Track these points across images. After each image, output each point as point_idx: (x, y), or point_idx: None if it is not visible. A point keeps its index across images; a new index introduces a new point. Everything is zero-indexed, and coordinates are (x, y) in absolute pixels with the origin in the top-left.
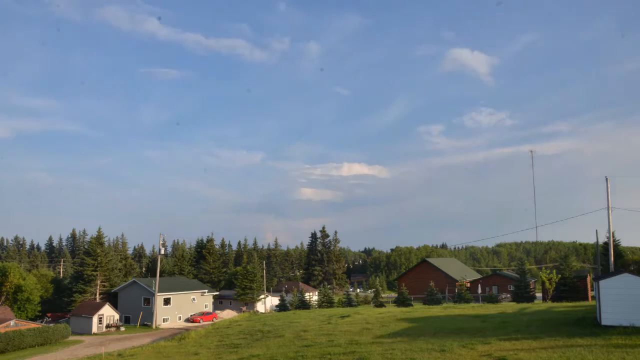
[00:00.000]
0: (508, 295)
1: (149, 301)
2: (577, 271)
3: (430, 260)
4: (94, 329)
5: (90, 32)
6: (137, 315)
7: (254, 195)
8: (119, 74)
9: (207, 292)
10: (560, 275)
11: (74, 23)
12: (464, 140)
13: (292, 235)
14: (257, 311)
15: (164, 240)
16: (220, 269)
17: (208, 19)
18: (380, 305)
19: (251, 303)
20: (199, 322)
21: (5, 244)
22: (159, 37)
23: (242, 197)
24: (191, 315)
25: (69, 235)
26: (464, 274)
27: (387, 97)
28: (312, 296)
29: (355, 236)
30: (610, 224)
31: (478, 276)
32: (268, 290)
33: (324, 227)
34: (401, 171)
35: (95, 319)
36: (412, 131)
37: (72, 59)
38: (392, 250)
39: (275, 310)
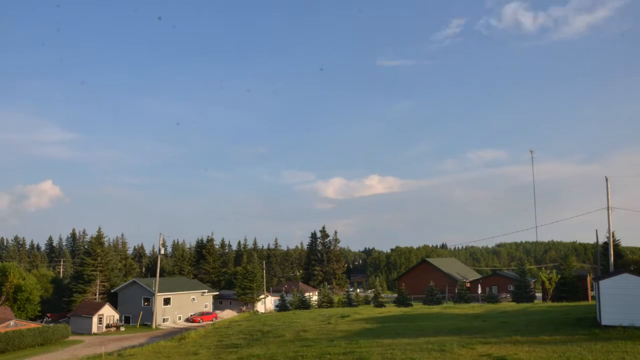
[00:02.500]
0: (508, 295)
1: (149, 301)
2: (577, 271)
3: (430, 260)
4: (94, 329)
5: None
6: (137, 315)
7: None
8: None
9: (207, 292)
10: (560, 275)
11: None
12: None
13: (295, 236)
14: (257, 311)
15: (163, 240)
16: (220, 269)
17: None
18: (380, 305)
19: (251, 303)
20: (199, 322)
21: (5, 243)
22: None
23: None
24: (191, 315)
25: (69, 235)
26: (464, 274)
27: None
28: (312, 296)
29: (355, 236)
30: (610, 224)
31: (478, 276)
32: (268, 290)
33: (324, 227)
34: (405, 181)
35: (95, 319)
36: (424, 161)
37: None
38: (392, 250)
39: (275, 310)
